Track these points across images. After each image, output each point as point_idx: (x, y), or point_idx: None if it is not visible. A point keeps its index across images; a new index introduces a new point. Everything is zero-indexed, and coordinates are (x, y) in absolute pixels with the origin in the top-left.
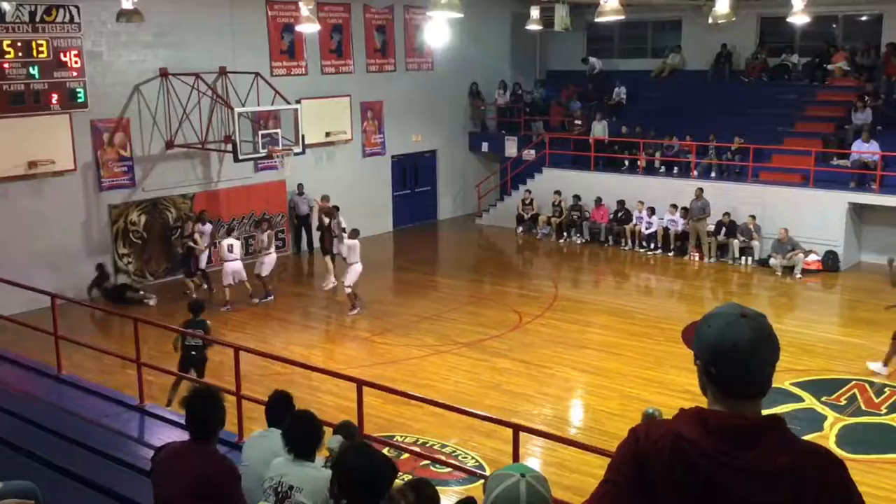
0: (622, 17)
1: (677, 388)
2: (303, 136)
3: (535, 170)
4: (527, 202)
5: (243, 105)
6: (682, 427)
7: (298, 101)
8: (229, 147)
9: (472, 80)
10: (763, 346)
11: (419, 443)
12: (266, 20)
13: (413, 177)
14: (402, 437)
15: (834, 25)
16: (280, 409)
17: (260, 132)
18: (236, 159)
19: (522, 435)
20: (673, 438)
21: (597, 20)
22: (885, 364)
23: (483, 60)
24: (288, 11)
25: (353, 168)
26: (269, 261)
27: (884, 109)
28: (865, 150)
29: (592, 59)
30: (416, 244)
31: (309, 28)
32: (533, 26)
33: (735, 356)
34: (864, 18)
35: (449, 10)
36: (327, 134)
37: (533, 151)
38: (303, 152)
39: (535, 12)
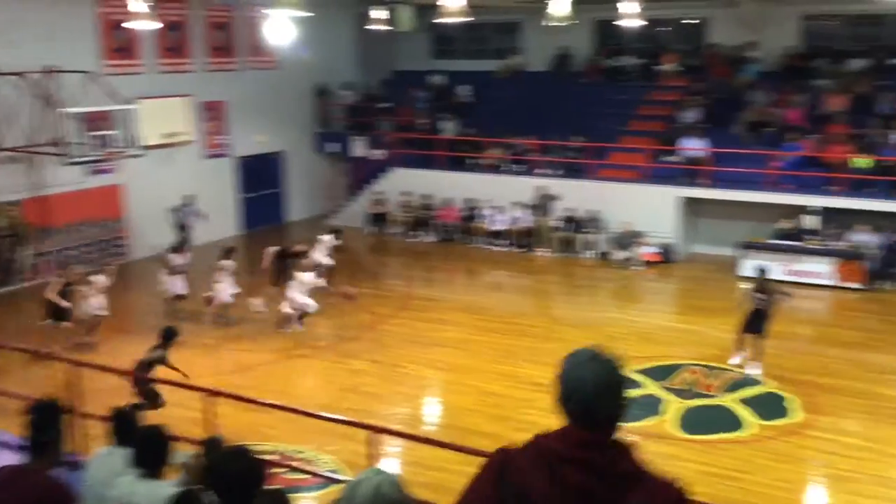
0: (465, 18)
1: (530, 381)
2: (140, 137)
3: (383, 170)
4: (377, 202)
5: (74, 106)
6: (544, 439)
7: (135, 102)
8: (58, 150)
9: (318, 79)
10: (606, 389)
11: (274, 451)
12: (95, 17)
13: (260, 178)
14: (255, 445)
15: (663, 29)
16: (125, 425)
17: (91, 134)
18: (65, 163)
19: (380, 436)
20: (536, 445)
21: (440, 21)
22: (745, 357)
23: (329, 60)
24: (120, 8)
25: (195, 170)
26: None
27: (710, 108)
28: (694, 146)
29: (436, 76)
30: (265, 247)
31: (143, 25)
32: (376, 26)
33: (579, 395)
34: (690, 22)
35: (291, 7)
36: (166, 135)
37: (381, 151)
38: (140, 154)
39: (377, 13)
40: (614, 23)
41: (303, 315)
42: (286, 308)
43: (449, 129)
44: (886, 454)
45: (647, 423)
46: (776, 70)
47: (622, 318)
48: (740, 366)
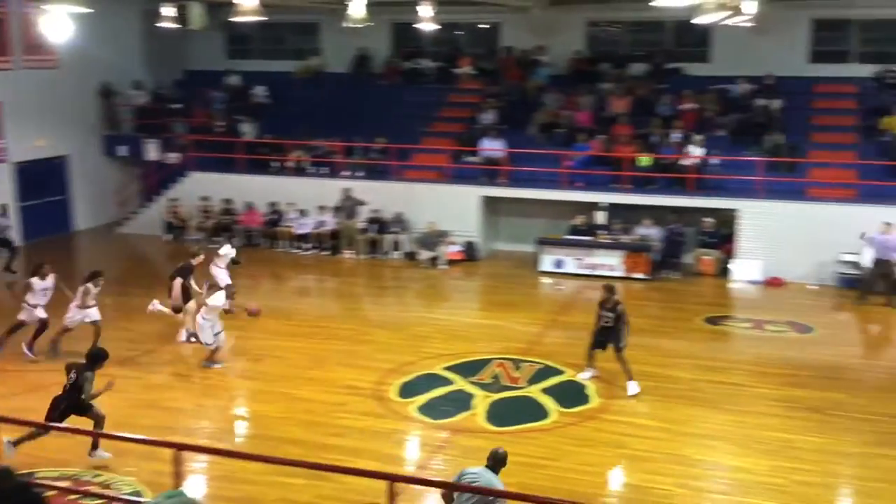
0: (260, 17)
1: (341, 384)
2: None
3: (179, 174)
4: (174, 208)
5: None
6: None
7: None
8: None
9: (103, 78)
10: None
11: (67, 476)
12: None
13: (43, 185)
14: (46, 472)
15: (459, 32)
16: None
17: None
18: None
19: (185, 453)
20: None
21: (234, 20)
22: (595, 374)
23: (114, 58)
24: None
25: None
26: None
27: (506, 110)
28: (493, 147)
29: (232, 76)
30: (51, 259)
31: None
32: (165, 24)
33: None
34: (484, 26)
35: (70, 2)
36: None
37: (176, 155)
38: None
39: (167, 10)
40: (412, 25)
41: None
42: (187, 335)
43: (247, 131)
44: (679, 433)
45: (458, 418)
46: (565, 74)
47: (430, 317)
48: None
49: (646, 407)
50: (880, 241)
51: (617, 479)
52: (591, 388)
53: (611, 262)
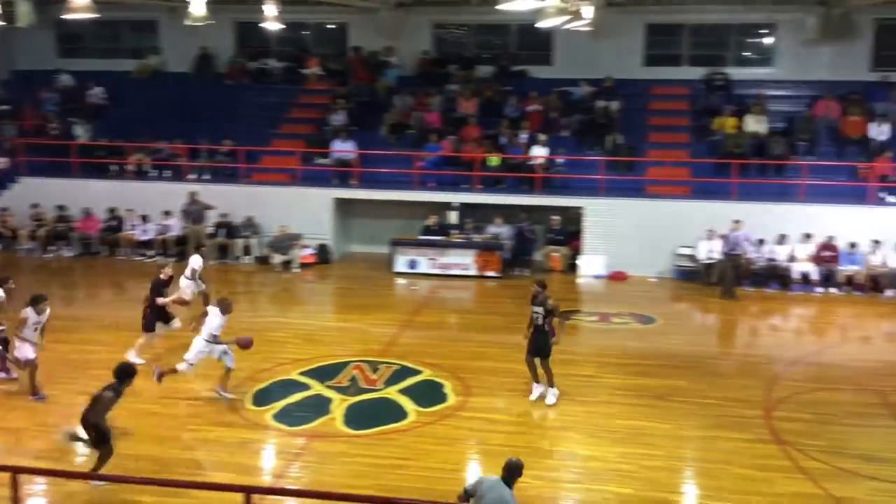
0: (93, 14)
1: (193, 395)
2: None
3: (8, 180)
4: (2, 217)
5: None
6: None
7: None
8: None
9: None
10: None
11: None
12: None
13: None
14: None
15: (306, 32)
16: None
17: None
18: None
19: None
20: None
21: (65, 17)
22: (544, 388)
23: None
24: None
25: None
26: None
27: (356, 111)
28: (343, 148)
29: (64, 76)
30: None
31: None
32: None
33: None
34: (331, 27)
35: None
36: None
37: (3, 160)
38: None
39: None
40: (257, 24)
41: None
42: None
43: (82, 133)
44: (534, 426)
45: (316, 424)
46: (414, 75)
47: (285, 322)
48: (542, 397)
49: (502, 402)
50: (732, 238)
51: (474, 475)
52: (449, 387)
53: (464, 262)
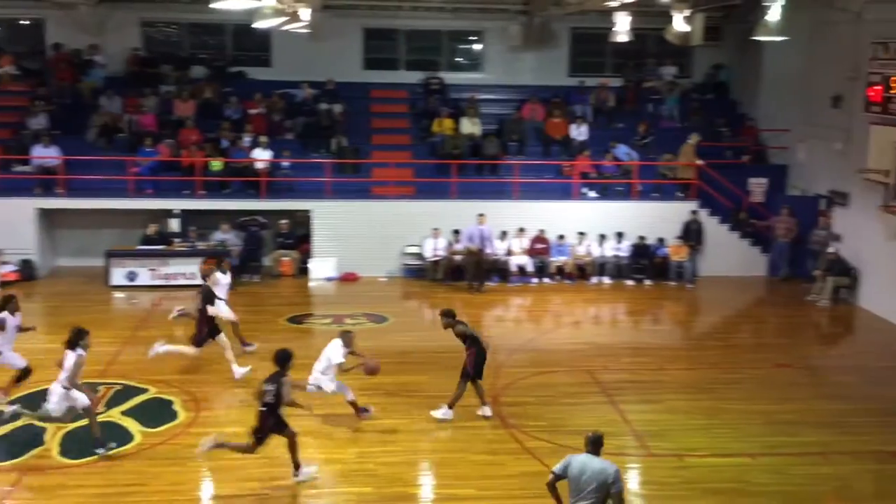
0: None
1: None
2: None
3: None
4: None
5: None
6: None
7: None
8: None
9: None
10: None
11: None
12: None
13: None
14: None
15: None
16: None
17: None
18: None
19: None
20: None
21: None
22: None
23: None
24: None
25: None
26: None
27: (58, 114)
28: (46, 154)
29: None
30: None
31: None
32: None
33: None
34: (24, 22)
35: None
36: None
37: None
38: None
39: None
40: None
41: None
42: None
43: None
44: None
45: (28, 456)
46: (123, 75)
47: None
48: (487, 417)
49: (235, 414)
50: (477, 232)
51: (208, 493)
52: (178, 403)
53: (188, 271)
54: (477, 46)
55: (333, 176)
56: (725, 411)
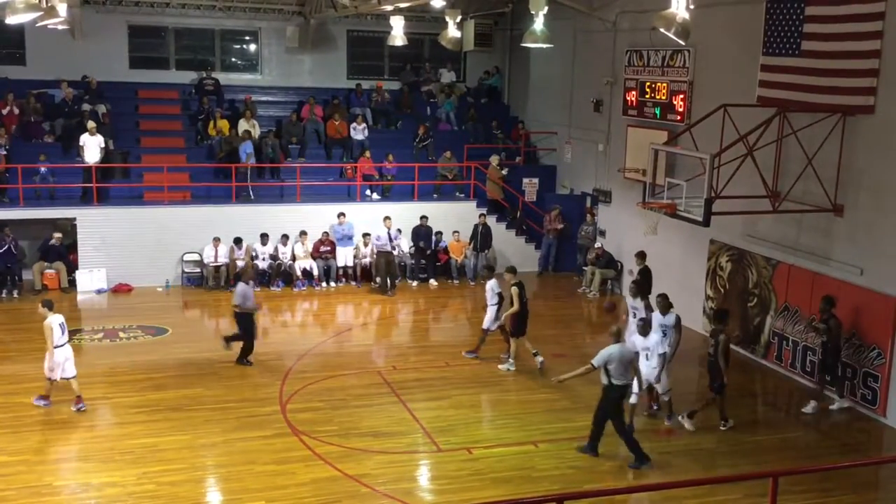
0: None
1: None
2: None
3: None
4: None
5: None
6: None
7: None
8: None
9: None
10: None
11: None
12: None
13: None
14: None
15: None
16: None
17: None
18: None
19: None
20: None
21: None
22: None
23: None
24: None
25: None
26: None
27: None
28: None
29: None
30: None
31: None
32: None
33: None
34: None
35: None
36: None
37: None
38: None
39: None
40: None
41: None
42: None
43: None
44: (38, 462)
45: None
46: None
47: None
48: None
49: (1, 441)
50: (384, 235)
51: None
52: None
53: None
54: (252, 47)
55: (100, 181)
56: (508, 402)
